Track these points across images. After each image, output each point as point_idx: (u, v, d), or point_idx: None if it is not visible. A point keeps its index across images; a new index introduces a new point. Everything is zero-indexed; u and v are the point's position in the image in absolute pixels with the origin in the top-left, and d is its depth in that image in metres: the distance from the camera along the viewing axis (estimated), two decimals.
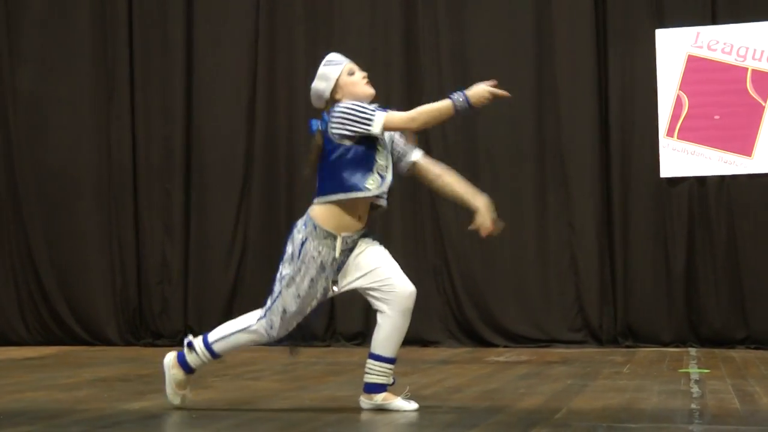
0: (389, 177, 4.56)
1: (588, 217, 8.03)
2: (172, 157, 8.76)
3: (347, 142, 4.50)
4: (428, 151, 8.07)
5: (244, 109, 8.69)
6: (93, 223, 8.88)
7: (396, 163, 4.68)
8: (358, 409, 4.63)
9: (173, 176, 8.75)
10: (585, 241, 8.03)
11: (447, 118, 4.59)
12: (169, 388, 4.72)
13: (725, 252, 7.79)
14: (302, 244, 4.53)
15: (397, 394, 4.63)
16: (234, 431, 4.18)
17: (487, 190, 8.13)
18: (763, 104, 7.74)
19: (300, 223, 4.58)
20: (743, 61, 7.78)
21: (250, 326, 4.65)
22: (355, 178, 4.49)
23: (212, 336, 4.68)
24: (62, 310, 8.87)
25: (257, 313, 4.65)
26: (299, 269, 4.53)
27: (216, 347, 4.67)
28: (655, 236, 7.92)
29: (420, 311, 8.14)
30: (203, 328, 8.49)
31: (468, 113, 4.58)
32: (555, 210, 8.12)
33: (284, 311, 4.58)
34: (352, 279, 4.59)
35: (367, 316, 8.27)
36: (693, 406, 4.75)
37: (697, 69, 7.87)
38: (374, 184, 4.51)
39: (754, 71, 7.77)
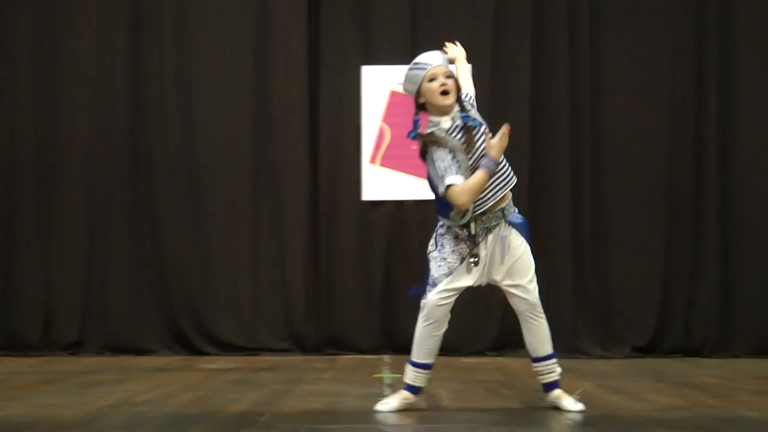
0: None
1: (297, 234, 8.08)
2: None
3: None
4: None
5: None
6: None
7: None
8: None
9: None
10: (294, 257, 8.07)
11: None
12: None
13: (418, 264, 8.01)
14: None
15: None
16: None
17: (204, 203, 8.11)
18: None
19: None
20: None
21: None
22: None
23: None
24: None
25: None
26: None
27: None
28: (357, 253, 8.07)
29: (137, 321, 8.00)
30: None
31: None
32: (268, 227, 8.11)
33: None
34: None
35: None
36: None
37: (398, 103, 8.09)
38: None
39: None
